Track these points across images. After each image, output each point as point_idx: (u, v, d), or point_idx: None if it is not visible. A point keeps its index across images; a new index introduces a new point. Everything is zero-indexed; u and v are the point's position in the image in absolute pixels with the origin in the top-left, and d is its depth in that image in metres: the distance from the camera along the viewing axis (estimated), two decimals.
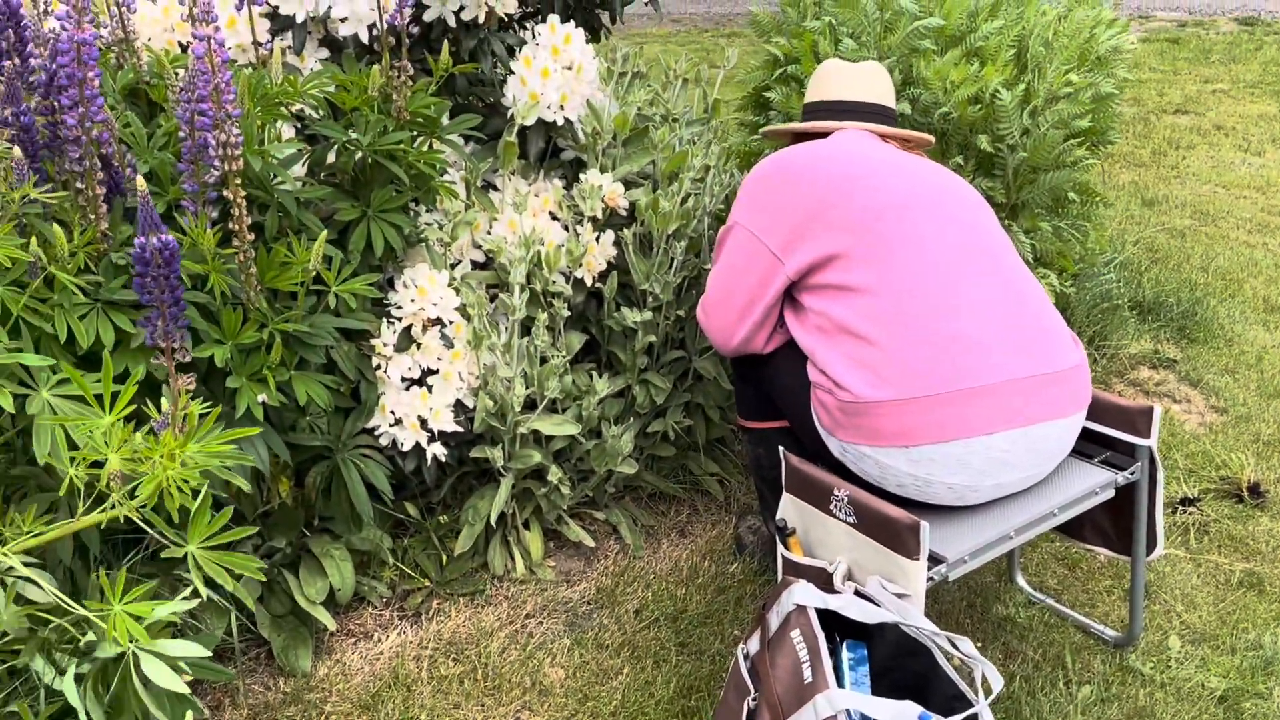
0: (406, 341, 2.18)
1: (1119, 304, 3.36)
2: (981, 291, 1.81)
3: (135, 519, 1.36)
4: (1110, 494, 1.93)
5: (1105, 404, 1.96)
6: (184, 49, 2.12)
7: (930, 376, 1.73)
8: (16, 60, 1.50)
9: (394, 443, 2.17)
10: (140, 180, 1.45)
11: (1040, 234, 2.77)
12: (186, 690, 1.36)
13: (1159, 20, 9.07)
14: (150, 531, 1.40)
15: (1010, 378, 1.76)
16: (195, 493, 1.35)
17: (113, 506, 1.36)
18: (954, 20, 2.66)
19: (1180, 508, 2.53)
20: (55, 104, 1.62)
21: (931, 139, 2.19)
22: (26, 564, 1.39)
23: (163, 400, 1.50)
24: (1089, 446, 1.98)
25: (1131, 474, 1.93)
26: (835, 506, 1.72)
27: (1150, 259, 3.95)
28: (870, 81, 2.14)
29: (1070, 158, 2.71)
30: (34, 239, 1.54)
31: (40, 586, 1.43)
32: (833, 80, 2.15)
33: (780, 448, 1.87)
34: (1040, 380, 1.78)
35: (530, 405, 2.30)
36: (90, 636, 1.46)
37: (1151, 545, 2.01)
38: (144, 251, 1.47)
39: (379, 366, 2.15)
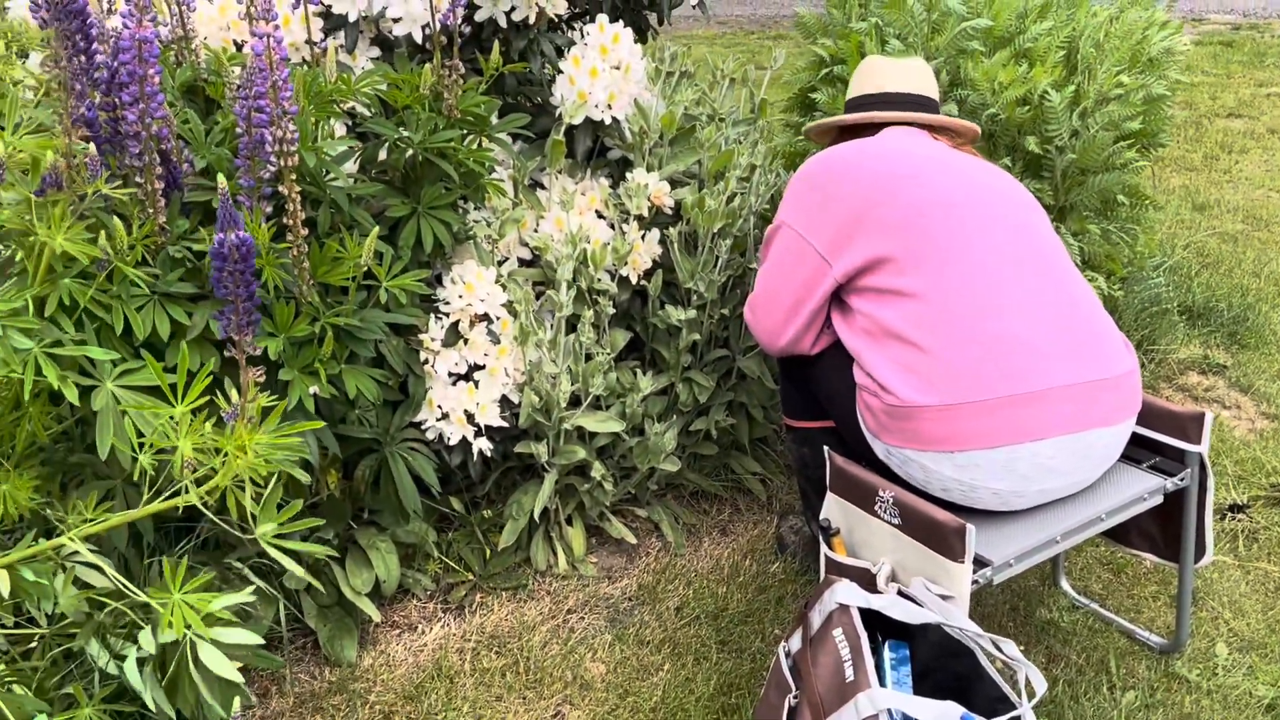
0: (454, 337, 2.20)
1: (1168, 308, 3.32)
2: (1031, 294, 1.79)
3: (200, 507, 1.39)
4: (1159, 500, 1.91)
5: (1156, 409, 1.94)
6: (239, 47, 2.16)
7: (977, 382, 1.72)
8: (82, 58, 1.54)
9: (441, 437, 2.19)
10: (222, 179, 1.49)
11: (1088, 237, 2.75)
12: (240, 678, 1.39)
13: (1213, 23, 8.94)
14: (217, 521, 1.43)
15: (1060, 384, 1.73)
16: (264, 481, 1.39)
17: (176, 495, 1.39)
18: (1002, 21, 2.65)
19: (1229, 514, 2.50)
20: (117, 100, 1.65)
21: (977, 128, 2.16)
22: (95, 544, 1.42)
23: (231, 392, 1.53)
24: (1138, 451, 1.96)
25: (1181, 480, 1.91)
26: (880, 508, 1.72)
27: (1201, 263, 3.90)
28: (912, 74, 2.12)
29: (1120, 160, 2.69)
30: (103, 234, 1.57)
31: (102, 571, 1.46)
32: (875, 74, 2.14)
33: (825, 447, 1.88)
34: (1091, 386, 1.76)
35: (575, 401, 2.32)
36: (152, 633, 1.49)
37: (1200, 552, 1.99)
38: (222, 247, 1.51)
39: (427, 361, 2.18)
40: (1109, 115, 2.59)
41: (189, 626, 1.39)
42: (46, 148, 1.54)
